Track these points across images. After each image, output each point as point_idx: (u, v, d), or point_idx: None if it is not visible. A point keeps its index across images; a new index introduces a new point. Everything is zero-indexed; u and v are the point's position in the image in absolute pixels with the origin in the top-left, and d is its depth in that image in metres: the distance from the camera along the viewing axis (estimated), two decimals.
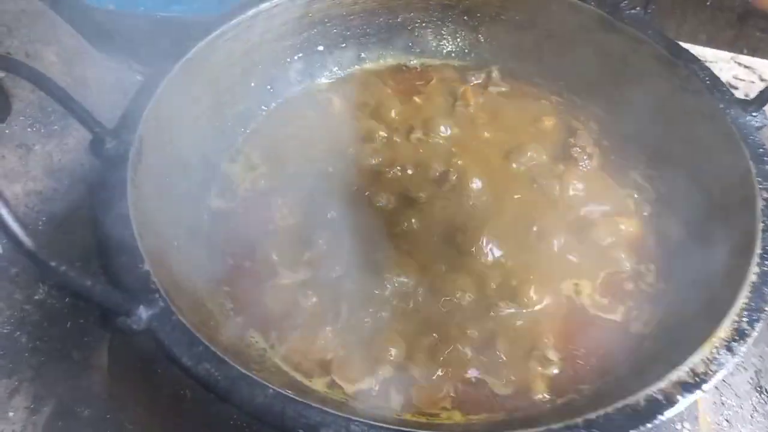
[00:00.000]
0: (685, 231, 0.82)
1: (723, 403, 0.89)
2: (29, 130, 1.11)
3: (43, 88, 0.68)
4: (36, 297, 1.01)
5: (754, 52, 1.51)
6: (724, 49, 1.67)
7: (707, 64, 1.94)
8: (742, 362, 0.94)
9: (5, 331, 0.97)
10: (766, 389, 0.91)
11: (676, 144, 0.87)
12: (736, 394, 0.90)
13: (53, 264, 0.50)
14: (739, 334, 0.60)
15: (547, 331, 0.75)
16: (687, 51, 0.91)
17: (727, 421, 0.87)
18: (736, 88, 1.78)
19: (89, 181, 1.12)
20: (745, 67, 1.84)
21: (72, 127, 1.13)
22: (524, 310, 0.76)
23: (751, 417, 0.88)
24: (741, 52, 1.65)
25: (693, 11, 1.45)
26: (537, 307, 0.77)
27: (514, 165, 0.92)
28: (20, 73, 0.63)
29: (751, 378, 0.92)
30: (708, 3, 1.42)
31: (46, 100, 1.10)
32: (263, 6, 0.94)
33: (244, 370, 0.56)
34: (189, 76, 0.85)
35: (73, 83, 1.20)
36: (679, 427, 0.76)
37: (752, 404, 0.89)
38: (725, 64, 1.86)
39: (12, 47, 1.16)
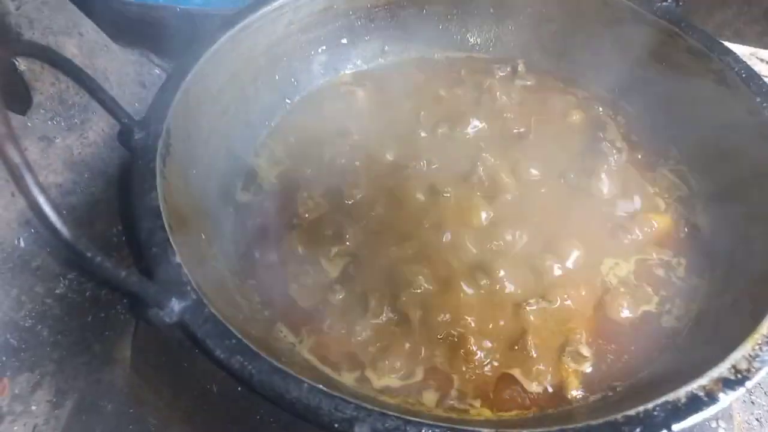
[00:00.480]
0: (716, 226, 0.81)
1: (753, 402, 0.87)
2: (50, 123, 1.10)
3: (74, 77, 0.67)
4: (57, 291, 1.00)
5: None
6: (751, 45, 1.64)
7: None
8: None
9: (27, 324, 0.97)
10: None
11: (708, 138, 0.86)
12: (765, 393, 0.89)
13: (89, 254, 0.49)
14: None
15: (579, 327, 0.74)
16: (721, 44, 0.89)
17: (758, 420, 0.85)
18: None
19: (110, 174, 1.12)
20: (767, 63, 1.82)
21: (92, 121, 1.13)
22: (555, 306, 0.74)
23: None
24: (765, 47, 1.63)
25: (720, 6, 1.43)
26: (568, 303, 0.75)
27: (544, 159, 0.90)
28: (54, 61, 0.63)
29: None
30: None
31: (66, 93, 1.10)
32: None
33: (278, 364, 0.56)
34: (215, 68, 0.85)
35: (93, 75, 1.19)
36: (714, 425, 0.74)
37: None
38: (747, 60, 1.84)
39: (33, 39, 1.15)
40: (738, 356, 0.57)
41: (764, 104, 0.79)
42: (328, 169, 0.89)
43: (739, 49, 1.76)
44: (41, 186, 0.46)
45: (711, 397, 0.55)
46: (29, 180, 0.45)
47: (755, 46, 1.62)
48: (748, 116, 0.80)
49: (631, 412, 0.54)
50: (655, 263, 0.80)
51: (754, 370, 0.57)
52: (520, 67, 1.03)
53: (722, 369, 0.57)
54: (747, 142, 0.79)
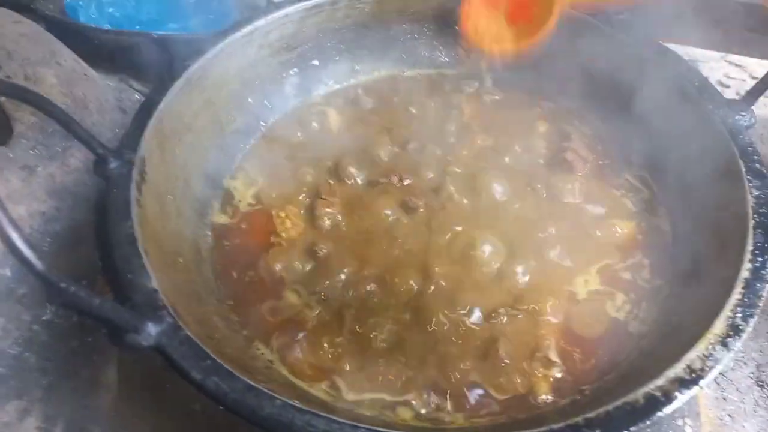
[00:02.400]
0: (678, 229, 0.84)
1: (725, 399, 0.90)
2: (31, 152, 1.12)
3: (46, 112, 0.69)
4: (44, 317, 1.02)
5: (743, 51, 1.53)
6: (715, 49, 1.69)
7: (698, 63, 1.97)
8: (743, 357, 0.95)
9: (14, 352, 0.98)
10: (767, 383, 0.92)
11: (667, 146, 0.89)
12: (737, 389, 0.91)
13: (63, 285, 0.51)
14: (734, 330, 0.61)
15: (549, 333, 0.76)
16: (675, 54, 0.93)
17: (730, 416, 0.87)
18: (727, 87, 1.80)
19: (92, 200, 1.13)
20: (736, 65, 1.86)
21: (73, 148, 1.15)
22: (525, 314, 0.77)
23: (754, 411, 0.89)
24: (731, 52, 1.67)
25: (682, 12, 1.47)
26: (537, 311, 0.78)
27: (511, 171, 0.93)
28: (25, 98, 0.65)
29: (752, 373, 0.93)
30: (696, 4, 1.44)
31: (47, 122, 1.12)
32: (258, 23, 0.96)
33: (251, 382, 0.58)
34: (187, 95, 0.87)
35: (73, 104, 1.21)
36: (680, 423, 0.77)
37: (754, 399, 0.90)
38: (716, 63, 1.88)
39: (11, 70, 1.17)
40: (692, 356, 0.60)
41: (716, 111, 0.82)
42: (302, 188, 0.92)
43: (709, 54, 1.81)
44: (14, 221, 0.48)
45: (667, 397, 0.57)
46: (2, 218, 0.47)
47: (719, 51, 1.67)
48: (701, 123, 0.83)
49: (591, 414, 0.56)
50: (621, 268, 0.83)
51: (707, 369, 0.59)
52: (488, 82, 1.06)
53: (677, 369, 0.59)
54: (701, 147, 0.82)
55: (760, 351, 0.96)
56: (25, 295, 1.02)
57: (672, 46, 1.83)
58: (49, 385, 0.96)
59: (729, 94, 1.58)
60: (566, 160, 0.93)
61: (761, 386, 0.92)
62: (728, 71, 1.86)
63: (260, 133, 1.02)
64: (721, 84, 1.82)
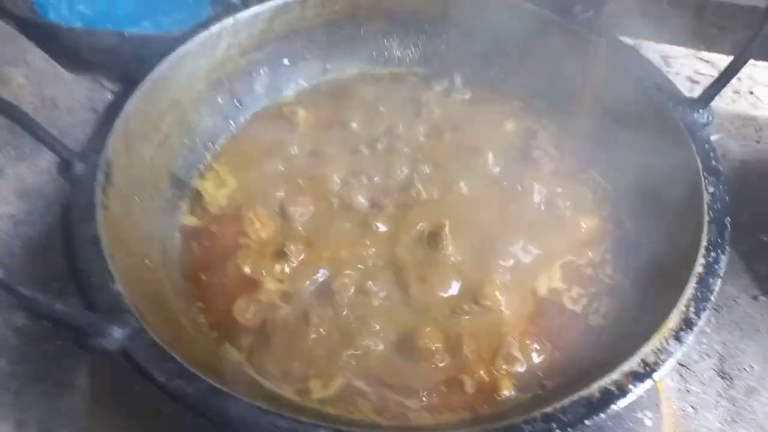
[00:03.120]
0: (640, 225, 0.86)
1: (688, 390, 0.92)
2: (0, 154, 1.11)
3: (8, 116, 0.69)
4: (16, 323, 1.01)
5: (711, 48, 1.56)
6: (684, 46, 1.72)
7: (669, 59, 2.00)
8: (706, 350, 0.98)
9: None
10: (729, 375, 0.94)
11: (630, 143, 0.90)
12: (700, 381, 0.93)
13: (21, 290, 0.51)
14: (687, 324, 0.63)
15: (512, 330, 0.77)
16: (637, 52, 0.95)
17: (693, 407, 0.90)
18: (697, 83, 1.83)
19: (63, 201, 1.13)
20: (706, 61, 1.89)
21: (43, 149, 1.12)
22: (489, 310, 0.78)
23: (716, 402, 0.91)
24: (699, 49, 1.70)
25: (652, 10, 1.49)
26: (502, 306, 0.79)
27: (478, 168, 0.95)
28: None
29: (715, 364, 0.96)
30: (665, 1, 1.46)
31: (16, 125, 1.11)
32: (226, 22, 0.96)
33: (216, 384, 0.58)
34: (154, 95, 0.87)
35: (42, 105, 1.20)
36: (640, 415, 0.79)
37: (716, 390, 0.92)
38: (686, 60, 1.91)
39: None
40: (647, 350, 0.62)
41: (675, 109, 0.84)
42: (272, 188, 0.92)
43: (680, 50, 1.84)
44: None
45: (622, 391, 0.59)
46: None
47: (688, 47, 1.70)
48: (660, 121, 0.85)
49: (548, 409, 0.58)
50: (584, 263, 0.85)
51: (660, 362, 0.61)
52: (457, 81, 1.07)
53: (632, 363, 0.61)
54: (661, 145, 0.84)
55: (723, 343, 0.99)
56: None
57: (645, 43, 1.87)
58: (19, 388, 0.96)
59: (699, 89, 1.61)
60: (532, 158, 0.94)
61: (723, 378, 0.94)
62: (698, 67, 1.89)
63: (230, 133, 1.02)
64: (691, 80, 1.85)
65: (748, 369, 0.94)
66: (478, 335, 0.76)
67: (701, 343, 0.97)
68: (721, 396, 0.92)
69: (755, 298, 1.06)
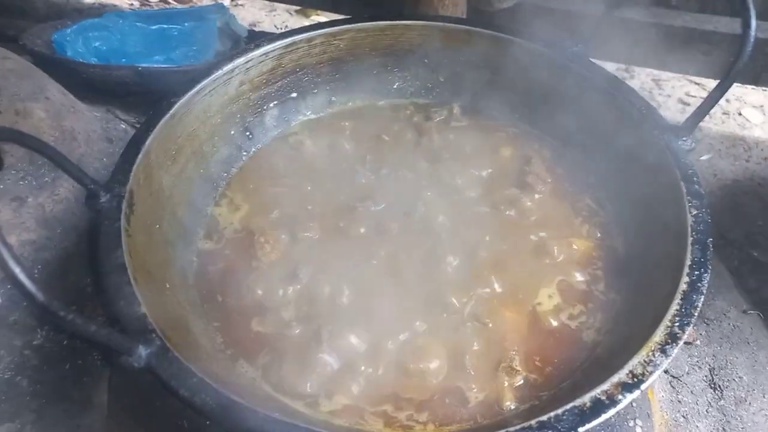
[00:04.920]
0: (630, 246, 0.91)
1: (680, 401, 0.96)
2: (21, 183, 1.17)
3: (40, 152, 0.75)
4: (35, 342, 1.06)
5: (699, 72, 1.63)
6: (674, 71, 1.79)
7: (661, 82, 2.08)
8: (698, 362, 1.02)
9: (6, 376, 1.02)
10: (719, 386, 0.99)
11: (620, 168, 0.96)
12: (691, 392, 0.98)
13: (62, 314, 0.56)
14: (672, 338, 0.68)
15: (513, 344, 0.82)
16: (625, 84, 1.01)
17: (684, 417, 0.94)
18: (688, 104, 1.91)
19: (80, 228, 1.18)
20: (696, 84, 1.97)
21: (62, 179, 1.20)
22: (490, 327, 0.83)
23: (707, 412, 0.95)
24: (688, 73, 1.77)
25: (642, 38, 1.57)
26: (502, 324, 0.84)
27: (477, 193, 1.00)
28: (21, 142, 0.71)
29: (706, 376, 1.00)
30: (654, 30, 1.53)
31: (36, 154, 1.17)
32: (238, 61, 1.03)
33: (235, 398, 0.63)
34: (172, 130, 0.93)
35: (62, 137, 1.27)
36: (632, 424, 0.83)
37: (707, 400, 0.97)
38: (678, 82, 1.99)
39: (1, 106, 1.23)
40: (635, 362, 0.66)
41: (660, 136, 0.90)
42: (283, 213, 0.98)
43: (672, 74, 1.91)
44: (16, 257, 0.54)
45: (612, 401, 0.64)
46: (5, 253, 0.52)
47: (677, 72, 1.77)
48: (646, 148, 0.91)
49: (543, 417, 0.62)
50: (579, 282, 0.90)
51: (647, 373, 0.66)
52: (456, 110, 1.14)
53: (621, 375, 0.66)
54: (648, 171, 0.90)
55: (714, 356, 1.03)
56: (17, 321, 1.07)
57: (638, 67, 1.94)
58: (41, 407, 1.00)
59: (690, 111, 1.68)
60: (527, 183, 1.00)
61: (714, 389, 0.99)
62: (689, 89, 1.97)
63: (242, 162, 1.08)
64: (682, 102, 1.93)
65: (737, 380, 0.99)
66: (479, 350, 0.81)
67: (692, 356, 1.02)
68: (711, 406, 0.96)
69: (744, 311, 1.11)
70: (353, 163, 1.05)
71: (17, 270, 0.53)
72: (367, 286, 0.88)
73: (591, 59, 1.05)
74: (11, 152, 1.19)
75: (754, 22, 0.84)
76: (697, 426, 0.93)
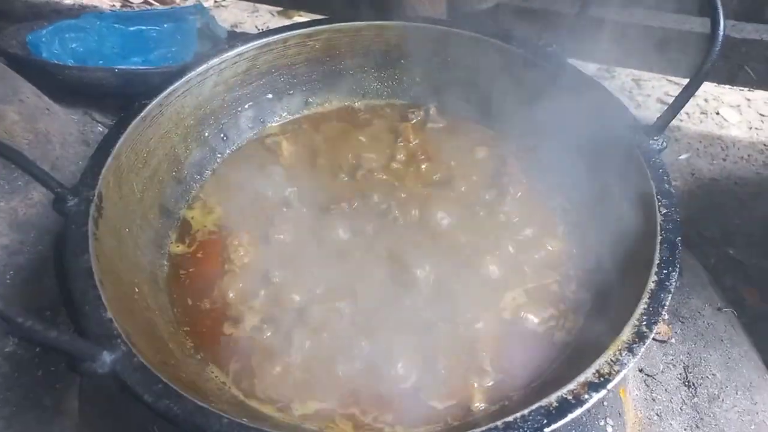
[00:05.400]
0: (602, 246, 0.91)
1: (654, 399, 0.97)
2: None
3: (2, 154, 0.74)
4: (6, 349, 1.04)
5: (675, 72, 1.64)
6: (652, 71, 1.80)
7: (641, 82, 2.09)
8: (672, 360, 1.03)
9: None
10: (693, 383, 0.99)
11: (592, 169, 0.96)
12: (666, 390, 0.98)
13: (20, 320, 0.55)
14: (639, 337, 0.68)
15: (484, 345, 0.82)
16: (598, 84, 1.01)
17: (658, 415, 0.94)
18: (666, 104, 1.91)
19: (54, 232, 1.17)
20: (676, 84, 1.98)
21: (35, 183, 1.18)
22: (460, 327, 0.83)
23: (680, 410, 0.96)
24: (666, 73, 1.79)
25: (620, 39, 1.58)
26: (474, 325, 0.84)
27: (452, 194, 1.00)
28: None
29: (680, 374, 1.01)
30: (632, 30, 1.54)
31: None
32: (212, 62, 1.02)
33: (200, 403, 0.62)
34: (144, 132, 0.92)
35: (36, 139, 1.25)
36: (602, 423, 0.83)
37: (681, 398, 0.97)
38: (657, 82, 2.00)
39: None
40: (601, 362, 0.67)
41: (632, 136, 0.90)
42: (256, 215, 0.97)
43: (652, 73, 1.92)
44: None
45: (578, 400, 0.64)
46: None
47: (657, 73, 1.78)
48: (618, 148, 0.91)
49: (510, 418, 0.62)
50: (551, 282, 0.90)
51: (614, 372, 0.66)
52: (432, 111, 1.14)
53: (588, 374, 0.66)
54: (620, 170, 0.90)
55: (688, 354, 1.04)
56: None
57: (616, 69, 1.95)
58: (11, 414, 0.99)
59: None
60: (503, 184, 1.00)
61: (688, 386, 0.99)
62: (668, 89, 1.98)
63: (216, 165, 1.07)
64: (662, 101, 1.94)
65: (710, 377, 0.99)
66: (451, 352, 0.81)
67: (667, 354, 1.02)
68: (684, 404, 0.97)
69: (719, 309, 1.11)
70: (328, 165, 1.05)
71: None
72: (339, 289, 0.88)
73: (568, 59, 1.05)
74: None
75: (722, 22, 0.84)
76: (670, 424, 0.94)
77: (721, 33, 0.84)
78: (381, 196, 0.99)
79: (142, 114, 0.91)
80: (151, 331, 0.77)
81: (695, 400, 0.97)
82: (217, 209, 1.00)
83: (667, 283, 0.73)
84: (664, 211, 0.81)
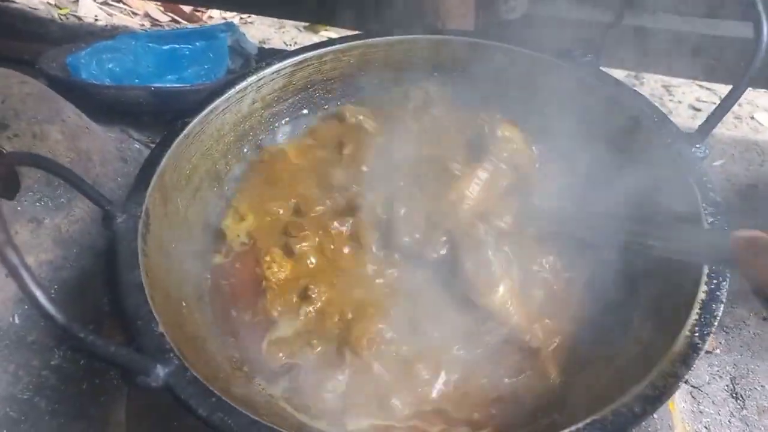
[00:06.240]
0: (648, 257, 0.90)
1: (701, 411, 0.95)
2: (38, 204, 1.18)
3: (59, 175, 0.76)
4: (53, 362, 1.07)
5: (709, 78, 1.62)
6: (684, 77, 1.78)
7: (671, 88, 2.06)
8: (718, 371, 1.01)
9: (25, 397, 1.03)
10: (741, 395, 0.97)
11: (634, 178, 0.95)
12: (713, 402, 0.96)
13: (82, 335, 0.57)
14: (693, 348, 0.67)
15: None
16: (637, 93, 1.00)
17: (706, 428, 0.93)
18: (699, 110, 1.90)
19: (96, 248, 1.20)
20: (707, 89, 1.96)
21: (78, 199, 1.21)
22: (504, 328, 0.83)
23: (729, 422, 0.94)
24: (699, 79, 1.77)
25: (652, 44, 1.57)
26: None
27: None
28: (40, 165, 0.72)
29: (727, 385, 0.99)
30: (663, 36, 1.53)
31: (52, 176, 1.19)
32: (250, 79, 1.04)
33: (254, 416, 0.63)
34: (186, 149, 0.94)
35: (77, 158, 1.29)
36: None
37: (729, 410, 0.95)
38: (688, 88, 1.98)
39: (20, 129, 1.25)
40: (655, 374, 0.66)
41: (674, 144, 0.89)
42: (285, 224, 0.97)
43: (682, 79, 1.90)
44: (37, 281, 0.54)
45: (633, 414, 0.63)
46: (26, 278, 0.53)
47: (688, 78, 1.76)
48: (660, 156, 0.90)
49: (565, 431, 0.62)
50: None
51: (669, 385, 0.65)
52: None
53: (642, 387, 0.65)
54: (663, 180, 0.89)
55: (734, 365, 1.02)
56: (35, 341, 1.08)
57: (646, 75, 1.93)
58: (59, 426, 1.01)
59: (701, 116, 1.67)
60: None
61: (736, 398, 0.97)
62: (700, 95, 1.96)
63: (253, 178, 1.08)
64: (693, 107, 1.92)
65: (759, 388, 0.97)
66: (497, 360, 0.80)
67: (713, 365, 1.01)
68: (733, 416, 0.94)
69: (765, 319, 1.09)
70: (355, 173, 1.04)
71: (38, 293, 0.54)
72: (374, 301, 0.87)
73: (601, 68, 1.05)
74: (28, 174, 1.21)
75: (766, 28, 0.83)
76: None
77: (765, 39, 0.83)
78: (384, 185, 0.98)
79: (185, 132, 0.93)
80: (200, 344, 0.78)
81: (744, 412, 0.95)
82: (249, 216, 1.00)
83: (717, 293, 0.72)
84: (710, 219, 0.80)
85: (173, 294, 0.81)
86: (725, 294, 0.72)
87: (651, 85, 1.99)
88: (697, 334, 0.68)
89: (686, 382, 0.97)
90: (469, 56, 1.13)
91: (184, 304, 0.83)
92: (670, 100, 1.92)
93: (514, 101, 1.12)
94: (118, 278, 0.74)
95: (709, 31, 1.50)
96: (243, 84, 1.02)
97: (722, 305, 0.71)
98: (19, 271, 0.53)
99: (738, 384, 0.98)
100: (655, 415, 0.84)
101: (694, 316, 0.70)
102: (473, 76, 1.14)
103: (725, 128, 1.76)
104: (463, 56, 1.14)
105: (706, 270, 0.74)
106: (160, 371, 0.65)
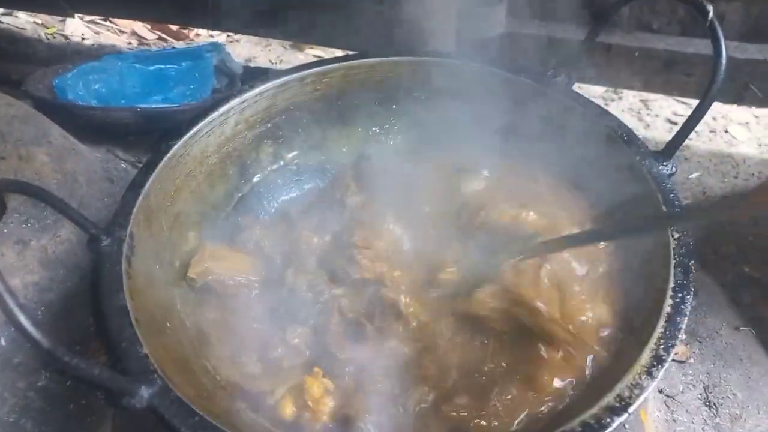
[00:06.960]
0: (623, 271, 0.93)
1: (675, 420, 0.98)
2: (24, 226, 1.20)
3: (44, 201, 0.78)
4: (39, 383, 1.08)
5: (683, 93, 1.67)
6: (658, 93, 1.83)
7: (649, 102, 2.11)
8: (692, 380, 1.04)
9: (11, 419, 1.03)
10: (714, 404, 1.00)
11: (604, 194, 0.99)
12: (686, 411, 0.99)
13: (67, 359, 0.59)
14: (657, 360, 0.70)
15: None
16: (608, 112, 1.03)
17: None
18: (675, 124, 1.94)
19: (83, 269, 1.21)
20: (684, 103, 2.01)
21: (63, 221, 1.22)
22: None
23: (702, 430, 0.97)
24: (672, 95, 1.81)
25: (626, 61, 1.61)
26: None
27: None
28: (26, 192, 0.74)
29: (700, 394, 1.01)
30: (636, 54, 1.58)
31: None
32: (234, 102, 1.06)
33: None
34: (170, 172, 0.96)
35: (63, 179, 1.30)
36: None
37: (702, 418, 0.98)
38: (665, 102, 2.03)
39: (6, 151, 1.27)
40: (622, 386, 0.68)
41: (642, 162, 0.93)
42: (264, 251, 1.00)
43: (657, 94, 1.95)
44: (21, 304, 0.56)
45: (600, 424, 0.65)
46: (10, 303, 0.55)
47: (662, 94, 1.81)
48: (629, 174, 0.94)
49: None
50: None
51: (634, 396, 0.67)
52: None
53: (609, 398, 0.67)
54: (632, 196, 0.92)
55: (708, 374, 1.05)
56: (21, 363, 1.08)
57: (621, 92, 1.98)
58: None
59: (677, 130, 1.72)
60: None
61: (709, 407, 1.00)
62: (676, 109, 2.01)
63: (238, 199, 1.11)
64: (670, 121, 1.97)
65: (731, 397, 1.00)
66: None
67: (686, 374, 1.03)
68: (706, 424, 0.97)
69: (737, 328, 1.12)
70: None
71: (22, 318, 0.55)
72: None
73: (575, 86, 1.09)
74: (14, 196, 1.22)
75: (724, 51, 0.87)
76: None
77: (724, 60, 0.87)
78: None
79: (169, 154, 0.95)
80: (183, 364, 0.80)
81: (717, 420, 0.97)
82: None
83: (682, 306, 0.75)
84: (676, 235, 0.83)
85: (157, 315, 0.83)
86: (689, 307, 0.75)
87: (629, 99, 2.04)
88: (662, 347, 0.71)
89: (660, 391, 1.00)
90: (447, 79, 1.16)
91: (168, 325, 0.84)
92: (648, 114, 1.97)
93: (491, 124, 1.15)
94: (102, 301, 0.76)
95: (680, 49, 1.56)
96: (226, 106, 1.05)
97: (686, 318, 0.74)
98: (3, 297, 0.54)
99: (711, 393, 1.01)
100: (626, 425, 0.87)
101: (659, 329, 0.73)
102: (448, 97, 1.17)
103: (701, 142, 1.81)
104: (440, 78, 1.17)
105: (671, 284, 0.77)
106: (144, 392, 0.67)
